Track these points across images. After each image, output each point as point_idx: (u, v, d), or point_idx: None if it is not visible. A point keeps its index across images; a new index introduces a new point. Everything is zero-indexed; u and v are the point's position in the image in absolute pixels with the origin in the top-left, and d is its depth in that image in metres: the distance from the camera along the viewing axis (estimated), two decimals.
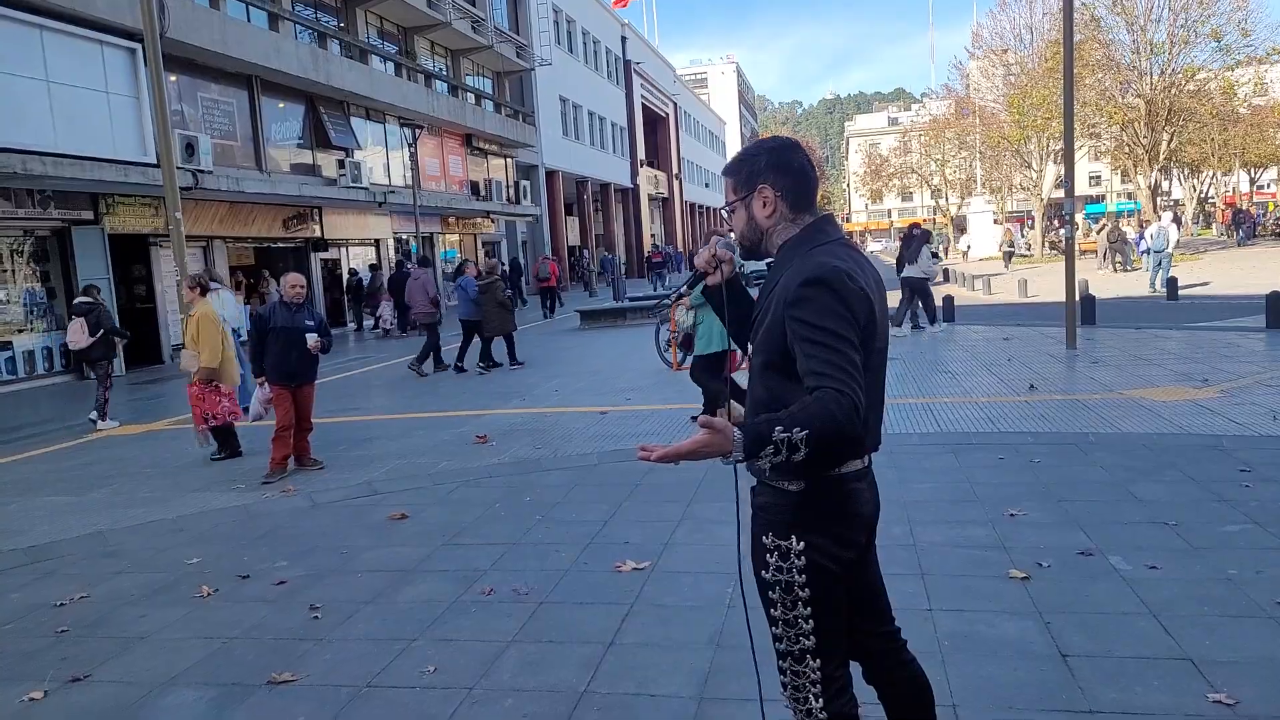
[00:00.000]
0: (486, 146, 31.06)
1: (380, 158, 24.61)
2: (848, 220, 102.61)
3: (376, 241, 25.09)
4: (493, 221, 31.74)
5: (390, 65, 25.21)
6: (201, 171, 16.10)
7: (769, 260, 2.18)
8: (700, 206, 68.71)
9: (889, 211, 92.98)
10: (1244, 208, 46.46)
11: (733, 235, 2.24)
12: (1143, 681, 3.07)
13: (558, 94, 37.26)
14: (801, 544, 2.03)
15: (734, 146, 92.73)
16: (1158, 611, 3.59)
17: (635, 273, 43.18)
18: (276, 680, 3.53)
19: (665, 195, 56.43)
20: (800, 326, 1.87)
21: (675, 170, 57.93)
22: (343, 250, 23.95)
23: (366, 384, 12.68)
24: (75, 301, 10.63)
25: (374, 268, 23.40)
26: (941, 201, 58.40)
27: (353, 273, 23.42)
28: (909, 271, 13.66)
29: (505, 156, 32.75)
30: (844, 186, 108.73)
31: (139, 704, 3.44)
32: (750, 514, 2.17)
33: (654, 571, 4.42)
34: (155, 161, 13.82)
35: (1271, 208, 51.20)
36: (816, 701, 2.09)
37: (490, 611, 4.08)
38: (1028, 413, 7.50)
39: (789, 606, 2.07)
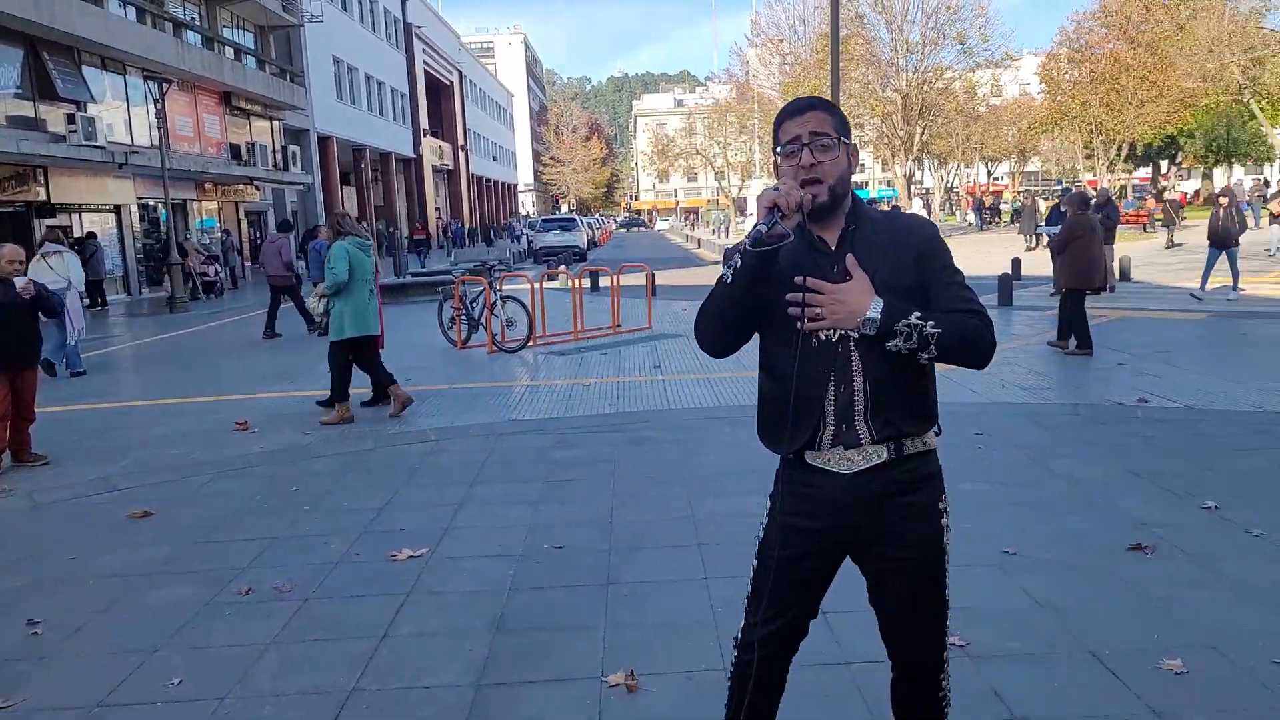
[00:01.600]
0: (249, 107, 28.70)
1: (121, 114, 22.04)
2: (636, 199, 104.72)
3: (117, 208, 22.53)
4: (258, 189, 29.48)
5: (131, 10, 22.60)
6: None
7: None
8: (488, 180, 67.46)
9: (675, 191, 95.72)
10: (982, 198, 51.85)
11: (818, 171, 1.91)
12: None
13: (331, 54, 35.12)
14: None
15: (523, 120, 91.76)
16: None
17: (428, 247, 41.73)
18: None
19: (450, 167, 54.92)
20: (947, 271, 1.94)
21: (461, 141, 56.49)
22: (75, 216, 21.26)
23: (108, 367, 11.40)
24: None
25: (91, 235, 20.89)
26: (724, 183, 60.83)
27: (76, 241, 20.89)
28: None
29: (271, 118, 30.44)
30: (632, 165, 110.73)
31: None
32: (902, 488, 1.97)
33: (432, 558, 4.25)
34: None
35: (1011, 197, 57.36)
36: (947, 683, 2.14)
37: (248, 612, 3.75)
38: None
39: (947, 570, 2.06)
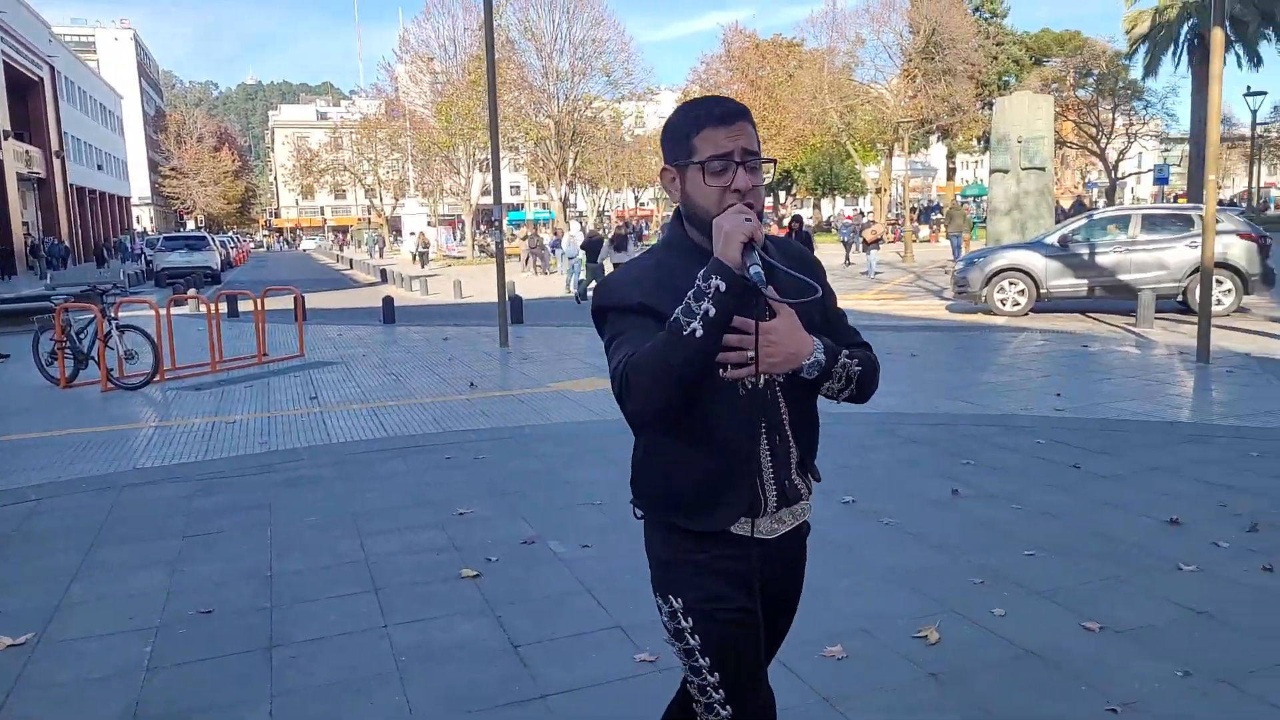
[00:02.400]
0: None
1: None
2: (276, 216, 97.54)
3: None
4: None
5: None
6: None
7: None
8: (92, 191, 58.85)
9: (321, 209, 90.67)
10: (630, 221, 55.29)
11: (752, 196, 1.67)
12: (583, 656, 3.26)
13: None
14: None
15: (135, 126, 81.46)
16: (593, 588, 3.88)
17: (12, 268, 35.31)
18: None
19: (42, 176, 47.13)
20: (837, 304, 1.87)
21: (56, 146, 48.71)
22: None
23: None
24: None
25: None
26: (376, 201, 58.73)
27: None
28: (618, 258, 16.73)
29: None
30: (270, 180, 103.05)
31: None
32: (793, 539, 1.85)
33: (41, 644, 3.50)
34: None
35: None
36: None
37: None
38: (470, 410, 7.75)
39: None
